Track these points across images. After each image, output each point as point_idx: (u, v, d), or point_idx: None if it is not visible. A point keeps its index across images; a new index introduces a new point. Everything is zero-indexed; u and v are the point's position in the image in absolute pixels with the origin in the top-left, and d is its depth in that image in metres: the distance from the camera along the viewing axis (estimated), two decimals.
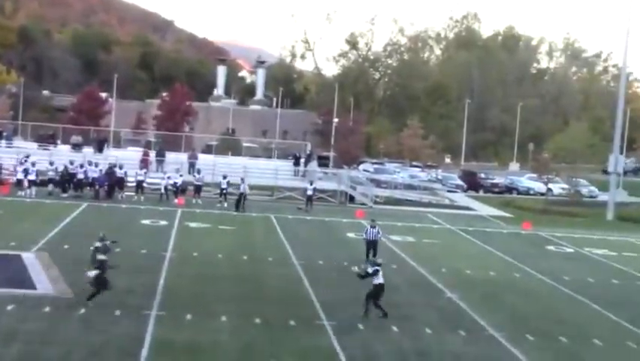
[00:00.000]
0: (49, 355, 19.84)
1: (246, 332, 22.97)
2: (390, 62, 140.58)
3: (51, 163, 50.01)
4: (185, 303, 25.30)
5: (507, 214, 58.45)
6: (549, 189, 67.54)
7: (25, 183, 48.56)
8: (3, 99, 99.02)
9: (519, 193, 75.21)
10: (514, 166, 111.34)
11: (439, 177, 77.94)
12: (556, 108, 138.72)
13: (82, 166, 50.05)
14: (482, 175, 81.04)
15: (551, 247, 44.33)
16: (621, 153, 67.94)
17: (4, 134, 66.43)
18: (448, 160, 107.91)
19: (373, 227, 34.80)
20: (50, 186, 48.79)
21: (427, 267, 34.13)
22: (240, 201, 48.93)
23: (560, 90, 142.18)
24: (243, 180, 50.33)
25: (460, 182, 76.17)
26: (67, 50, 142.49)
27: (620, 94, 65.54)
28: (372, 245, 34.23)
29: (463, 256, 38.86)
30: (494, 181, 78.56)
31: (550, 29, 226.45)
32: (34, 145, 64.27)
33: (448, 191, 69.43)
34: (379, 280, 25.12)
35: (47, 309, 23.71)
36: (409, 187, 66.90)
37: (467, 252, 40.74)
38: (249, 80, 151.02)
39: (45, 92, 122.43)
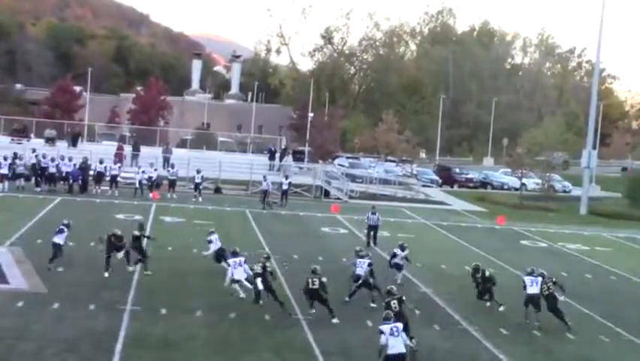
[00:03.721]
0: (23, 350, 19.76)
1: (221, 326, 22.96)
2: (365, 56, 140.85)
3: (20, 158, 49.56)
4: (160, 298, 25.25)
5: (481, 209, 58.74)
6: (523, 184, 67.89)
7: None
8: None
9: (493, 188, 75.62)
10: (488, 161, 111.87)
11: (414, 171, 78.21)
12: (531, 103, 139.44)
13: (53, 160, 49.69)
14: (457, 170, 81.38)
15: (525, 242, 44.55)
16: (594, 148, 68.34)
17: None
18: (423, 155, 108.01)
19: (374, 213, 37.80)
20: (19, 181, 48.42)
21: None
22: (265, 199, 49.03)
23: (534, 85, 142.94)
24: (265, 177, 50.31)
25: (434, 177, 76.47)
26: (41, 43, 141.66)
27: (593, 90, 65.99)
28: (373, 230, 37.65)
29: (437, 250, 39.00)
30: (469, 176, 78.92)
31: (525, 25, 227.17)
32: (7, 139, 63.81)
33: (423, 186, 69.67)
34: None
35: (20, 304, 23.59)
36: (384, 182, 66.99)
37: (442, 246, 40.89)
38: (225, 76, 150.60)
39: (18, 86, 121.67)
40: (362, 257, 27.48)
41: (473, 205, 60.61)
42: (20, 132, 66.27)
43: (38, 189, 48.62)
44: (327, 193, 57.77)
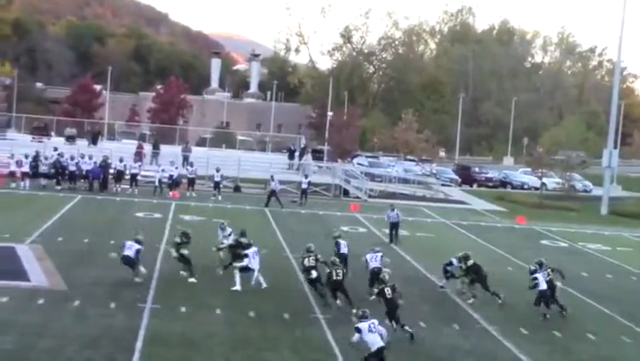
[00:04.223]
0: (44, 347, 19.83)
1: (241, 324, 22.97)
2: (384, 55, 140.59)
3: (45, 157, 49.87)
4: (180, 296, 25.29)
5: (501, 208, 58.52)
6: (543, 184, 67.60)
7: (18, 175, 48.54)
8: None
9: (513, 187, 75.29)
10: (508, 160, 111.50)
11: (434, 170, 77.96)
12: (551, 102, 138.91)
13: (73, 158, 49.93)
14: (476, 169, 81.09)
15: (545, 242, 44.37)
16: (615, 147, 68.00)
17: None
18: (442, 154, 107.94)
19: (392, 210, 38.67)
20: (43, 180, 48.61)
21: (421, 261, 34.15)
22: (270, 199, 48.89)
23: (554, 84, 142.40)
24: (272, 177, 50.31)
25: (454, 176, 76.23)
26: (61, 42, 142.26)
27: (614, 88, 65.64)
28: (394, 227, 38.45)
29: (457, 249, 38.58)
30: (488, 175, 78.61)
31: (545, 24, 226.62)
32: (28, 138, 64.10)
33: (442, 185, 69.40)
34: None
35: (41, 301, 23.69)
36: (403, 181, 66.84)
37: (461, 246, 40.56)
38: (244, 72, 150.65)
39: (39, 85, 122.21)
40: (372, 252, 27.99)
41: (493, 205, 60.41)
42: (41, 131, 66.53)
43: (59, 187, 48.85)
44: (346, 192, 57.74)
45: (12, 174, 48.62)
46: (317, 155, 73.46)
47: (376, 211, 47.89)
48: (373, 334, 19.07)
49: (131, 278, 26.25)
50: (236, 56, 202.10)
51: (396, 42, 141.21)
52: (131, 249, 26.35)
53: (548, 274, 26.67)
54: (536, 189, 68.67)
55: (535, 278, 26.45)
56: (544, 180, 68.12)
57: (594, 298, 29.97)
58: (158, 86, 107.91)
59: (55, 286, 25.73)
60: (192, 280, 27.33)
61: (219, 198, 49.87)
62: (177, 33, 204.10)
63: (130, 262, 26.29)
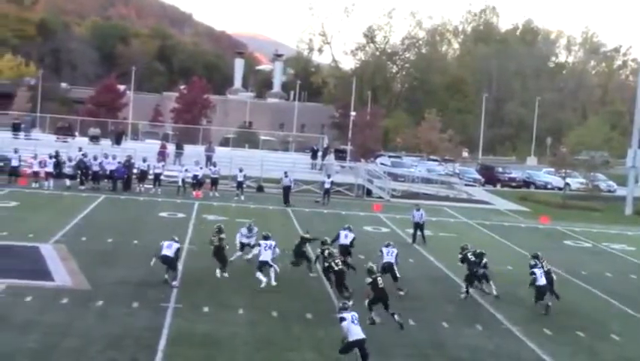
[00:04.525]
0: (68, 346, 19.95)
1: (263, 324, 23.00)
2: (407, 55, 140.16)
3: (70, 159, 50.10)
4: (202, 295, 25.36)
5: (525, 208, 58.29)
6: (567, 184, 67.27)
7: (42, 175, 48.84)
8: (22, 91, 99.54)
9: (537, 187, 74.98)
10: (531, 160, 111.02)
11: (457, 170, 77.77)
12: (575, 102, 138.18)
13: (96, 158, 50.18)
14: (500, 169, 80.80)
15: (569, 242, 44.18)
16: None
17: (23, 126, 66.70)
18: (465, 154, 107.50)
19: (418, 210, 38.82)
20: (69, 182, 48.81)
21: (444, 261, 34.06)
22: (288, 195, 49.13)
23: (578, 84, 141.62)
24: (286, 173, 50.36)
25: (477, 176, 76.00)
26: (85, 43, 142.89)
27: (638, 88, 65.19)
28: (418, 227, 38.55)
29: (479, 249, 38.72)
30: (512, 175, 78.30)
31: (569, 23, 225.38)
32: (52, 137, 64.48)
33: (466, 185, 69.22)
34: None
35: (65, 301, 23.82)
36: (426, 181, 66.71)
37: (484, 246, 40.42)
38: (267, 70, 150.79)
39: (63, 85, 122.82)
40: (388, 246, 28.61)
41: (516, 205, 60.19)
42: (65, 131, 66.90)
43: (82, 187, 49.09)
44: (369, 192, 57.69)
45: (35, 174, 48.90)
46: (340, 155, 73.44)
47: (399, 211, 47.85)
48: (355, 325, 19.48)
49: (164, 280, 26.22)
50: (260, 56, 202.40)
51: (420, 42, 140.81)
52: (170, 248, 26.44)
53: (544, 266, 27.38)
54: (560, 189, 68.33)
55: (533, 273, 26.81)
56: (568, 180, 67.75)
57: (618, 298, 29.82)
58: (182, 86, 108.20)
59: (79, 285, 25.87)
60: (225, 275, 27.79)
61: (242, 198, 49.97)
62: (201, 33, 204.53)
63: (169, 262, 26.32)
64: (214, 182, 51.52)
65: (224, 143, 74.86)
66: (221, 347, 20.80)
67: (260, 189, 55.08)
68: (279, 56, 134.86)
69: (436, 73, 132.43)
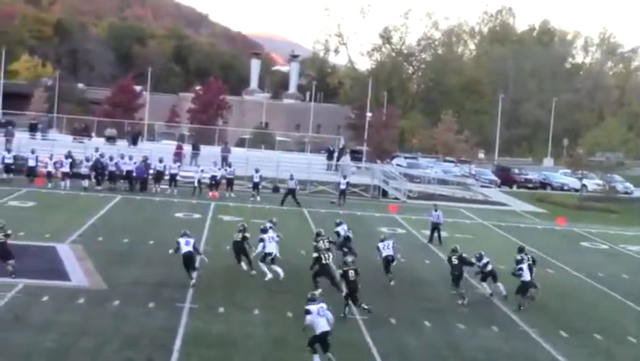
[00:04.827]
0: (85, 345, 20.04)
1: (278, 325, 23.03)
2: (424, 56, 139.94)
3: (87, 159, 50.22)
4: (218, 296, 25.40)
5: (541, 210, 58.11)
6: (584, 185, 67.03)
7: (59, 175, 49.03)
8: (39, 92, 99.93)
9: (553, 189, 74.71)
10: (548, 161, 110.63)
11: (473, 172, 77.59)
12: (592, 103, 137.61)
13: (112, 159, 50.32)
14: (516, 170, 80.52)
15: (586, 243, 44.03)
16: None
17: (40, 126, 66.96)
18: (481, 155, 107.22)
19: (436, 210, 39.28)
20: (86, 182, 48.93)
21: None
22: (292, 197, 48.99)
23: (595, 85, 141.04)
24: (292, 176, 50.35)
25: (493, 177, 75.79)
26: (102, 43, 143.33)
27: None
28: (436, 227, 38.87)
29: (496, 251, 38.54)
30: (528, 177, 78.04)
31: (586, 24, 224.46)
32: (69, 138, 64.69)
33: (482, 186, 69.08)
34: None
35: (82, 301, 23.91)
36: (442, 182, 66.61)
37: (500, 247, 40.48)
38: (285, 71, 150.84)
39: (80, 85, 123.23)
40: (383, 240, 29.80)
41: (532, 206, 59.99)
42: (82, 131, 67.12)
43: (99, 187, 49.22)
44: (384, 193, 57.61)
45: (49, 175, 49.08)
46: (356, 155, 73.36)
47: (415, 212, 47.80)
48: (321, 317, 19.77)
49: (188, 280, 26.33)
50: (276, 57, 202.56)
51: (436, 43, 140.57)
52: (189, 244, 26.60)
53: (529, 259, 28.22)
54: (576, 190, 68.10)
55: (521, 269, 27.18)
56: (585, 181, 67.54)
57: (635, 300, 29.70)
58: (198, 87, 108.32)
59: (95, 285, 25.96)
60: (253, 272, 28.21)
61: (258, 198, 49.99)
62: (217, 34, 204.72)
63: (192, 259, 26.51)
64: (230, 182, 51.57)
65: (240, 143, 74.92)
66: (237, 347, 20.83)
67: (276, 189, 55.06)
68: (295, 56, 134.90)
69: (452, 74, 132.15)
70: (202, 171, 51.54)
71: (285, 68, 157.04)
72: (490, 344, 22.94)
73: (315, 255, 27.19)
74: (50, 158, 49.99)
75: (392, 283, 28.67)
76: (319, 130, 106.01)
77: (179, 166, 52.83)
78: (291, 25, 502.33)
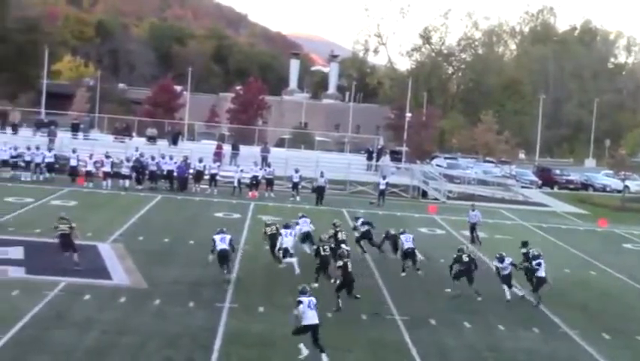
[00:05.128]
0: (126, 344, 20.17)
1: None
2: (464, 56, 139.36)
3: (127, 159, 50.54)
4: (257, 296, 25.46)
5: (582, 211, 57.59)
6: (626, 186, 66.37)
7: (100, 175, 49.45)
8: (81, 92, 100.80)
9: (595, 190, 74.05)
10: (590, 162, 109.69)
11: (513, 172, 77.11)
12: (634, 104, 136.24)
13: (154, 158, 50.68)
14: (557, 171, 79.94)
15: (628, 245, 43.59)
16: None
17: (81, 126, 67.50)
18: (522, 156, 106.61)
19: (473, 210, 39.57)
20: (127, 182, 49.27)
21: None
22: (321, 196, 49.31)
23: (637, 85, 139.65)
24: (322, 173, 50.45)
25: (534, 178, 75.27)
26: (143, 43, 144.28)
27: None
28: (473, 227, 39.09)
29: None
30: (569, 177, 77.42)
31: (629, 24, 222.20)
32: (110, 138, 65.16)
33: (522, 187, 68.60)
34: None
35: (123, 299, 24.08)
36: (482, 183, 66.27)
37: (541, 249, 40.12)
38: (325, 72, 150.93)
39: (121, 85, 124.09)
40: (404, 233, 30.91)
41: (574, 207, 59.49)
42: (123, 131, 67.55)
43: (140, 187, 49.55)
44: (424, 194, 57.43)
45: (88, 174, 49.51)
46: (395, 156, 73.18)
47: (455, 213, 47.59)
48: (311, 310, 20.06)
49: (221, 277, 26.60)
50: (315, 57, 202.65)
51: (476, 43, 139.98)
52: (224, 241, 26.80)
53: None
54: (619, 191, 67.43)
55: (539, 264, 27.61)
56: (627, 182, 66.86)
57: None
58: (238, 87, 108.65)
59: (136, 284, 26.13)
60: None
61: (298, 198, 50.04)
62: (257, 34, 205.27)
63: (228, 256, 26.74)
64: (269, 182, 51.68)
65: (280, 144, 75.05)
66: (276, 347, 20.85)
67: (315, 189, 55.08)
68: (335, 56, 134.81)
69: (493, 74, 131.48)
70: (242, 171, 51.70)
71: (324, 69, 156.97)
72: (530, 346, 22.78)
73: (314, 247, 28.19)
74: (90, 157, 50.42)
75: (420, 272, 29.83)
76: (358, 130, 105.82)
77: (219, 166, 53.04)
78: (331, 25, 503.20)
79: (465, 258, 27.92)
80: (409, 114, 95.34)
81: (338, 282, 25.04)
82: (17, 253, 29.32)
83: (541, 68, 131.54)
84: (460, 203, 54.43)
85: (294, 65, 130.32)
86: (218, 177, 51.52)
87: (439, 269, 29.96)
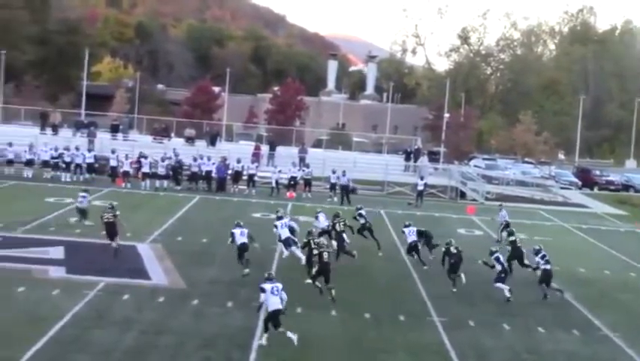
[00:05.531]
0: (164, 344, 20.26)
1: (356, 326, 22.99)
2: (502, 57, 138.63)
3: (163, 159, 50.79)
4: (295, 296, 25.38)
5: (623, 212, 57.01)
6: None
7: (138, 176, 49.79)
8: (120, 93, 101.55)
9: (636, 191, 73.27)
10: (631, 163, 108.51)
11: (553, 173, 76.54)
12: None
13: (195, 159, 51.00)
14: (597, 172, 79.20)
15: None
16: None
17: (121, 127, 67.96)
18: (561, 156, 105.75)
19: (501, 210, 40.16)
20: (165, 183, 49.52)
21: None
22: (347, 195, 49.24)
23: None
24: (344, 172, 50.55)
25: (574, 179, 74.64)
26: (181, 45, 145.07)
27: None
28: (504, 225, 38.93)
29: (576, 254, 38.09)
30: (610, 178, 76.67)
31: None
32: (149, 139, 65.55)
33: (562, 188, 68.08)
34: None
35: (161, 299, 24.19)
36: (521, 184, 65.84)
37: (581, 250, 39.93)
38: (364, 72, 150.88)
39: (160, 86, 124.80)
40: (407, 226, 32.14)
41: (614, 208, 58.90)
42: (161, 132, 67.92)
43: (179, 187, 49.81)
44: (462, 194, 57.20)
45: (126, 175, 49.83)
46: (433, 157, 72.97)
47: (493, 214, 47.27)
48: (274, 296, 20.68)
49: (241, 272, 27.06)
50: (353, 58, 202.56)
51: (515, 43, 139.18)
52: (244, 235, 28.04)
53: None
54: None
55: (544, 256, 28.02)
56: None
57: None
58: (275, 88, 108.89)
59: (175, 284, 26.25)
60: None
61: (335, 199, 50.02)
62: (294, 35, 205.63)
63: (246, 249, 27.81)
64: (307, 183, 51.73)
65: (317, 144, 75.09)
66: (314, 347, 20.84)
67: (353, 190, 55.04)
68: (373, 57, 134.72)
69: (532, 74, 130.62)
70: (279, 171, 51.80)
71: (362, 69, 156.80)
72: (570, 348, 22.58)
73: (304, 240, 28.46)
74: (126, 158, 50.76)
75: (427, 263, 30.83)
76: (396, 131, 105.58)
77: (257, 167, 53.19)
78: (368, 26, 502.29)
79: (453, 250, 28.56)
80: (447, 115, 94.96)
81: (314, 271, 25.89)
82: (58, 252, 29.61)
83: (581, 68, 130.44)
84: (498, 204, 54.01)
85: (332, 66, 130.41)
86: (256, 178, 51.67)
87: (478, 271, 29.74)
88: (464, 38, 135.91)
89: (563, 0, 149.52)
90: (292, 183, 51.09)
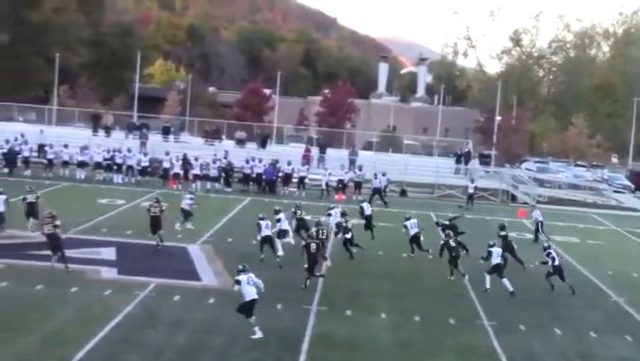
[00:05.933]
0: (214, 344, 20.37)
1: (405, 329, 22.93)
2: (555, 59, 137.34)
3: (214, 161, 51.07)
4: (345, 299, 25.47)
5: None
6: None
7: (189, 177, 50.20)
8: (172, 95, 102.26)
9: None
10: None
11: (605, 177, 75.68)
12: None
13: (248, 162, 51.30)
14: None
15: None
16: None
17: (172, 129, 68.43)
18: (614, 160, 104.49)
19: (533, 210, 41.38)
20: (216, 185, 49.78)
21: (591, 269, 33.22)
22: (376, 196, 49.26)
23: None
24: (376, 175, 50.49)
25: (627, 182, 73.73)
26: (233, 47, 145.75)
27: None
28: (540, 225, 40.12)
29: (630, 258, 37.64)
30: None
31: None
32: (200, 140, 65.94)
33: (615, 191, 67.22)
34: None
35: (211, 300, 24.32)
36: (574, 187, 65.20)
37: (634, 254, 39.43)
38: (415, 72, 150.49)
39: (211, 89, 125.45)
40: (409, 219, 33.30)
41: None
42: (212, 134, 68.24)
43: (229, 189, 50.08)
44: (513, 198, 56.79)
45: (176, 176, 50.24)
46: (484, 159, 72.50)
47: (545, 218, 46.78)
48: (250, 286, 21.17)
49: (262, 259, 28.80)
50: (404, 60, 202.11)
51: (568, 45, 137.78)
52: (269, 228, 29.64)
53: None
54: None
55: (549, 254, 28.43)
56: None
57: None
58: (326, 90, 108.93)
59: (225, 285, 26.32)
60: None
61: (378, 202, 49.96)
62: (345, 37, 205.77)
63: (271, 241, 29.52)
64: (358, 185, 51.72)
65: (368, 147, 75.01)
66: (364, 350, 20.83)
67: (403, 193, 54.95)
68: (424, 59, 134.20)
69: (585, 76, 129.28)
70: (329, 174, 51.85)
71: (413, 71, 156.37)
72: (624, 354, 22.31)
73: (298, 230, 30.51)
74: (177, 160, 51.18)
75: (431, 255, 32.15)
76: (447, 134, 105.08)
77: (307, 169, 53.30)
78: (419, 28, 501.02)
79: (452, 243, 29.34)
80: (498, 117, 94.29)
81: (306, 265, 26.44)
82: (110, 253, 29.94)
83: (636, 70, 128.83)
84: (550, 207, 53.64)
85: (383, 68, 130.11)
86: (306, 180, 51.78)
87: (529, 275, 29.55)
88: (516, 40, 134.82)
89: (618, 1, 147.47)
90: (341, 185, 51.10)
